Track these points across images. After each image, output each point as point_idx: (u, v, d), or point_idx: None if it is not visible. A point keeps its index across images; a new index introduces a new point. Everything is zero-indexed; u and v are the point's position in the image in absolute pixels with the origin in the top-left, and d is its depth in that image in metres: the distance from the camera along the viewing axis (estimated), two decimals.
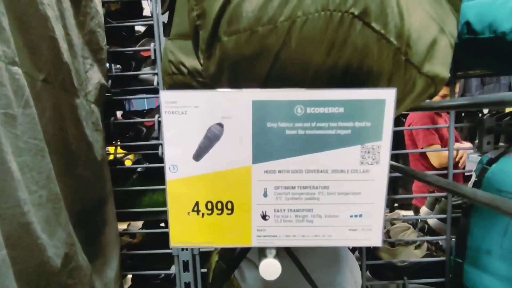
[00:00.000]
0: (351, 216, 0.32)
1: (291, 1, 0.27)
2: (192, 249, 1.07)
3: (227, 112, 0.29)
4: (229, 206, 0.31)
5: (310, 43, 0.28)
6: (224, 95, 0.29)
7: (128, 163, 1.49)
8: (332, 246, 0.68)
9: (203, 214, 0.32)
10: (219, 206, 0.31)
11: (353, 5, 0.27)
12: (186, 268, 1.09)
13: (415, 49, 0.29)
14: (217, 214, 0.32)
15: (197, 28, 0.34)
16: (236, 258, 0.50)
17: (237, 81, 0.33)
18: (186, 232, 0.32)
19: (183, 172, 0.31)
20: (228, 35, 0.30)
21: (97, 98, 0.78)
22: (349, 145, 0.30)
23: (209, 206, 0.31)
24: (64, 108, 0.60)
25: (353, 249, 1.21)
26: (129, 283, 1.21)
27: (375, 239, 0.32)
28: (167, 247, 1.13)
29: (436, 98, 1.76)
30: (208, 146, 0.30)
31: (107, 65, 1.02)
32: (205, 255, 1.06)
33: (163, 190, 1.06)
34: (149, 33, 1.17)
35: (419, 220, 1.35)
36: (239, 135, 0.30)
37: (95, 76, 0.78)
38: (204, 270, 1.07)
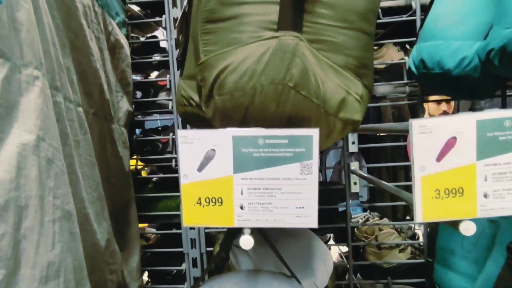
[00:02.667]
0: (296, 208, 0.50)
1: (253, 78, 0.47)
2: (200, 248, 1.25)
3: (217, 142, 0.49)
4: (220, 200, 0.51)
5: (266, 102, 0.48)
6: (215, 132, 0.49)
7: (143, 173, 1.69)
8: (308, 240, 0.86)
9: (203, 206, 0.51)
10: (213, 200, 0.51)
11: (289, 80, 0.46)
12: (195, 265, 1.27)
13: (330, 104, 0.48)
14: (212, 205, 0.51)
15: (200, 87, 0.54)
16: (228, 241, 0.69)
17: (224, 121, 0.52)
18: (193, 216, 0.51)
19: (191, 179, 0.50)
20: (218, 95, 0.50)
21: (125, 122, 0.99)
22: (292, 162, 0.49)
23: (207, 200, 0.51)
24: (105, 132, 0.81)
25: (346, 256, 1.36)
26: (145, 280, 1.39)
27: (312, 223, 0.50)
28: (179, 246, 1.32)
29: (431, 108, 1.95)
30: (206, 163, 0.49)
31: None
32: (211, 253, 1.24)
33: (176, 197, 1.26)
34: (165, 63, 1.38)
35: (413, 228, 1.48)
36: (225, 156, 0.49)
37: (125, 105, 0.99)
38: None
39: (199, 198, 0.51)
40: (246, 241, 0.51)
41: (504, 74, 0.73)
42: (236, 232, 0.75)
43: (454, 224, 0.48)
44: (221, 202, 0.51)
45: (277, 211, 0.51)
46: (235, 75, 0.47)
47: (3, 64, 0.41)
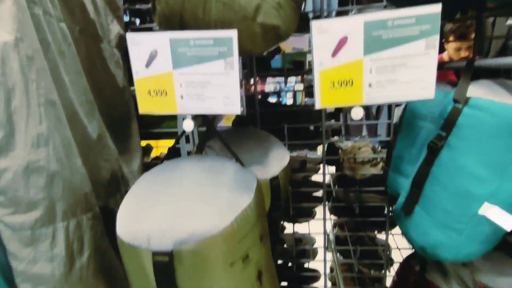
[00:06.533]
0: (223, 97, 0.63)
1: None
2: None
3: (159, 44, 0.61)
4: (164, 92, 0.64)
5: (194, 8, 0.58)
6: (156, 35, 0.60)
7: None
8: (269, 143, 0.99)
9: (152, 96, 0.65)
10: (160, 92, 0.64)
11: None
12: None
13: (247, 10, 0.58)
14: (160, 96, 0.64)
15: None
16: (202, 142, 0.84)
17: (167, 27, 0.63)
18: (146, 105, 0.65)
19: (141, 74, 0.63)
20: (158, 5, 0.60)
21: (117, 44, 1.11)
22: (218, 59, 0.60)
23: (154, 92, 0.64)
24: (94, 50, 0.94)
25: (329, 196, 1.51)
26: None
27: (236, 109, 0.63)
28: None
29: (450, 52, 1.88)
30: (151, 61, 0.62)
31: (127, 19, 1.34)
32: None
33: (175, 117, 1.42)
34: None
35: None
36: (166, 55, 0.61)
37: (115, 28, 1.11)
38: None
39: (149, 90, 0.65)
40: (188, 125, 0.66)
41: None
42: (209, 136, 0.90)
43: (348, 110, 0.59)
44: (166, 93, 0.65)
45: (208, 100, 0.64)
46: None
47: None
